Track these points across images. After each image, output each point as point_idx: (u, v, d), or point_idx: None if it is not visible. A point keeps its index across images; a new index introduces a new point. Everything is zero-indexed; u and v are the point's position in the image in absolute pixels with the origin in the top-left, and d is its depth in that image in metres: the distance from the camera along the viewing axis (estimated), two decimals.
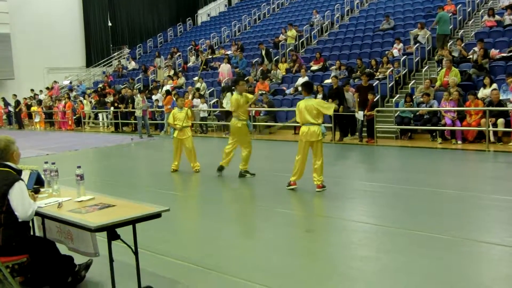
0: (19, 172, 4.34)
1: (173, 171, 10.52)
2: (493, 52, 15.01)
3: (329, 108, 8.23)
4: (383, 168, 10.67)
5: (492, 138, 12.22)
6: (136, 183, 10.09)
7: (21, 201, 4.03)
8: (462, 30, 18.47)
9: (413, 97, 14.25)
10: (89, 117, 24.71)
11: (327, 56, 19.86)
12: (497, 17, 17.09)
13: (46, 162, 4.84)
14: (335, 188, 8.23)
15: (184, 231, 6.40)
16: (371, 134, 13.88)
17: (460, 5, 19.31)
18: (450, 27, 18.00)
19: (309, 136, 7.96)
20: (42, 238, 4.67)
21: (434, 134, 13.53)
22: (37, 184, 4.87)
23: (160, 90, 22.29)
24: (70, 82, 30.26)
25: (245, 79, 20.53)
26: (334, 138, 14.57)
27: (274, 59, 21.89)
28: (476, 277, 4.56)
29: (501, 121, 12.16)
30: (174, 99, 19.33)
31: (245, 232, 6.34)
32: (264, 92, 18.47)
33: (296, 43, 22.55)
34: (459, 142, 12.73)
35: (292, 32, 22.36)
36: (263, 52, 21.60)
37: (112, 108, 22.67)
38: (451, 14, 18.52)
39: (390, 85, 16.17)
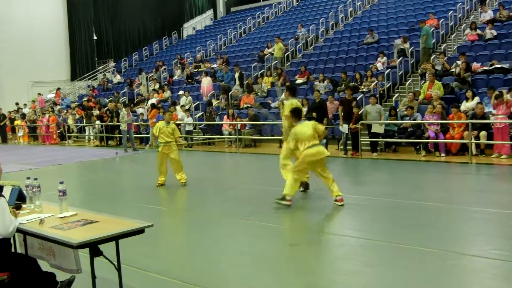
0: (0, 188, 4.29)
1: (159, 185, 10.44)
2: (475, 65, 15.23)
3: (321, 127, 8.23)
4: (368, 181, 10.72)
5: (474, 151, 12.37)
6: (120, 198, 10.01)
7: (1, 217, 3.97)
8: (445, 44, 18.73)
9: (397, 110, 14.38)
10: (72, 131, 24.53)
11: (312, 70, 19.99)
12: (479, 31, 17.36)
13: (28, 178, 4.79)
14: (320, 201, 8.24)
15: (168, 246, 6.36)
16: (356, 147, 13.96)
17: (442, 19, 19.59)
18: (433, 41, 18.27)
19: (318, 155, 7.90)
20: (24, 255, 4.61)
21: (418, 147, 13.64)
22: (19, 200, 4.81)
23: (145, 104, 22.25)
24: (58, 89, 30.37)
25: (230, 92, 20.64)
26: None
27: (260, 72, 21.98)
28: None
29: (483, 133, 12.31)
30: (161, 113, 19.34)
31: (229, 246, 6.32)
32: (249, 105, 18.53)
33: (282, 57, 22.59)
34: (443, 154, 12.84)
35: (279, 46, 22.40)
36: (237, 75, 21.18)
37: (97, 122, 22.58)
38: (433, 28, 18.78)
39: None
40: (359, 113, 14.22)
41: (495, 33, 16.85)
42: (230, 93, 20.71)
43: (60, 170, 14.18)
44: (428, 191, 9.16)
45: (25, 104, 28.77)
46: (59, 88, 30.26)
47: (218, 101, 20.52)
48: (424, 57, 17.06)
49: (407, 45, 17.92)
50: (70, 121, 24.42)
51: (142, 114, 20.89)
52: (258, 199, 8.84)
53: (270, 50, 23.22)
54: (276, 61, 22.24)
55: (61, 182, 4.50)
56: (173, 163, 10.33)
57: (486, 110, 12.84)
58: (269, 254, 5.83)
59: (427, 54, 17.04)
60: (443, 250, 5.53)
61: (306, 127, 7.98)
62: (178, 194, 9.99)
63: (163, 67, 27.48)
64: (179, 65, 27.19)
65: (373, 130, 13.96)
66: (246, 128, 17.66)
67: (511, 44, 15.82)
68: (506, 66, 14.69)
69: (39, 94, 29.11)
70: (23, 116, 27.17)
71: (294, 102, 8.51)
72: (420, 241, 5.92)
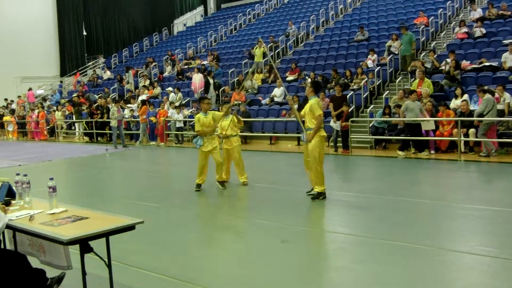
0: None
1: (197, 186, 9.47)
2: (464, 63, 15.33)
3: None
4: (358, 178, 10.76)
5: (463, 148, 12.45)
6: (111, 195, 9.98)
7: None
8: (435, 42, 18.82)
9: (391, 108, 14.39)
10: (62, 128, 24.41)
11: (302, 67, 20.01)
12: (468, 29, 17.47)
13: (17, 174, 4.77)
14: (306, 198, 8.26)
15: (159, 243, 6.36)
16: (346, 144, 14.00)
17: (432, 17, 19.68)
18: (423, 39, 18.38)
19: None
20: (13, 252, 4.59)
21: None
22: (8, 196, 4.78)
23: (135, 100, 22.18)
24: (61, 82, 31.04)
25: (221, 89, 20.62)
26: None
27: (250, 70, 21.94)
28: (448, 286, 4.63)
29: (472, 131, 12.39)
30: (151, 109, 19.28)
31: (221, 243, 6.33)
32: (240, 102, 18.52)
33: (265, 59, 22.14)
34: (432, 152, 12.91)
35: (260, 50, 22.19)
36: (212, 84, 20.73)
37: (87, 118, 22.49)
38: (423, 26, 18.88)
39: (364, 96, 16.36)
40: (349, 110, 14.26)
41: (484, 31, 16.97)
42: (220, 90, 20.70)
43: (50, 167, 14.11)
44: (417, 188, 9.21)
45: (12, 101, 28.56)
46: (78, 70, 30.55)
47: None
48: (412, 62, 17.01)
49: (397, 43, 17.97)
50: (58, 118, 24.21)
51: (132, 110, 20.83)
52: (248, 196, 8.86)
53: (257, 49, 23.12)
54: (257, 64, 21.98)
55: (51, 179, 4.48)
56: (235, 163, 9.82)
57: (475, 107, 12.94)
58: (260, 251, 5.84)
59: (403, 60, 17.02)
60: (432, 246, 5.58)
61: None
62: (169, 191, 9.97)
63: (154, 64, 27.38)
64: (169, 61, 27.12)
65: (424, 128, 12.99)
66: None
67: (500, 42, 15.93)
68: (495, 64, 14.81)
69: (30, 89, 28.93)
70: (12, 111, 27.01)
71: (315, 101, 8.07)
72: (409, 237, 5.97)
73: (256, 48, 22.22)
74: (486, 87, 12.72)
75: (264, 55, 21.46)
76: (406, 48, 16.87)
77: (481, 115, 12.04)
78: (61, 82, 30.87)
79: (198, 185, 9.40)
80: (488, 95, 12.27)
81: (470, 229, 6.46)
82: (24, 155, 16.85)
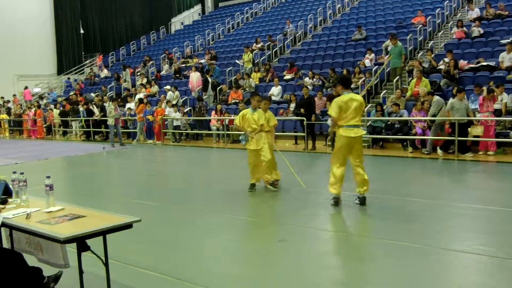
0: None
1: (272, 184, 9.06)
2: (462, 63, 15.35)
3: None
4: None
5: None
6: (108, 193, 9.96)
7: None
8: (432, 41, 18.84)
9: (384, 107, 14.44)
10: (59, 126, 24.35)
11: (300, 66, 20.01)
12: (466, 29, 17.50)
13: (14, 172, 4.75)
14: (307, 197, 8.27)
15: (156, 242, 6.35)
16: None
17: (430, 16, 19.71)
18: (420, 38, 18.38)
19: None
20: (9, 250, 4.57)
21: (405, 143, 13.73)
22: (4, 194, 4.76)
23: (133, 98, 22.15)
24: (68, 78, 31.34)
25: (219, 88, 20.60)
26: (307, 147, 14.67)
27: (248, 68, 21.94)
28: (444, 285, 4.63)
29: (470, 130, 12.39)
30: (148, 108, 19.24)
31: (218, 243, 6.32)
32: (238, 101, 18.52)
33: (252, 66, 22.27)
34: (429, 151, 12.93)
35: (247, 56, 22.17)
36: (210, 82, 21.10)
37: (82, 117, 22.43)
38: (421, 25, 18.89)
39: (362, 95, 16.31)
40: None
41: (481, 31, 17.00)
42: (218, 89, 20.70)
43: (46, 165, 14.07)
44: (414, 187, 9.22)
45: (8, 100, 28.47)
46: (101, 54, 30.85)
47: (206, 96, 20.47)
48: (410, 62, 16.96)
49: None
50: (55, 116, 24.14)
51: (129, 109, 20.79)
52: (246, 195, 8.84)
53: (258, 45, 23.19)
54: (246, 69, 21.97)
55: (48, 177, 4.46)
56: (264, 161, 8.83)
57: (473, 107, 12.95)
58: (258, 250, 5.84)
59: (393, 73, 16.91)
60: (428, 245, 5.58)
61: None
62: (165, 189, 9.96)
63: (151, 62, 27.35)
64: (166, 60, 27.09)
65: (474, 133, 12.26)
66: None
67: (497, 42, 15.96)
68: (492, 63, 14.84)
69: (26, 87, 28.85)
70: (9, 110, 26.94)
71: (347, 97, 7.37)
72: (405, 236, 5.97)
73: (244, 54, 22.31)
74: (487, 87, 12.78)
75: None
76: (396, 60, 16.68)
77: (434, 116, 12.42)
78: (68, 78, 30.92)
79: (252, 185, 8.98)
80: (436, 97, 12.59)
81: (467, 228, 6.47)
82: (21, 153, 16.80)
